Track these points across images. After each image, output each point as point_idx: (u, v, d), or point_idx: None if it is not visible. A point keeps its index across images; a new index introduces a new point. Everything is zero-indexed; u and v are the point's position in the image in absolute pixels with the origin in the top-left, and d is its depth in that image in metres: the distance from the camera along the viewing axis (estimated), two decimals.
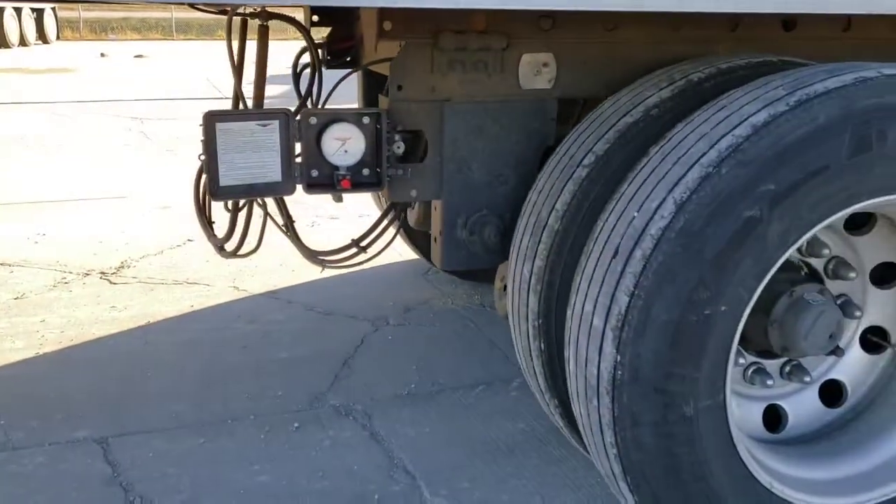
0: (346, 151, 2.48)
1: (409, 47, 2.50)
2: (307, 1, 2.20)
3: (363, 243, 3.09)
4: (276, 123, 2.40)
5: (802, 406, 2.52)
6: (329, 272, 4.56)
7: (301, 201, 3.28)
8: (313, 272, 4.57)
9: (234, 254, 3.06)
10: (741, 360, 2.37)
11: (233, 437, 3.10)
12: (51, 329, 4.02)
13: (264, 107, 2.69)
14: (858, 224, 2.38)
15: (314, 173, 2.50)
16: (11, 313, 4.20)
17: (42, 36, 23.77)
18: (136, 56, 20.45)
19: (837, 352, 2.45)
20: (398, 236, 3.23)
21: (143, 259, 5.02)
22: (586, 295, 2.07)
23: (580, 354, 2.08)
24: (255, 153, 2.40)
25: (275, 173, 2.44)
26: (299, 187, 2.51)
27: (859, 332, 2.52)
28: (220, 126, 2.34)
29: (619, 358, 1.93)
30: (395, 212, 3.08)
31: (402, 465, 2.93)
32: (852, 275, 2.39)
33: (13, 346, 3.83)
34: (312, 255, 3.10)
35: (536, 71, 2.62)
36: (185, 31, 29.63)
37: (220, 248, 3.10)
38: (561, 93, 2.66)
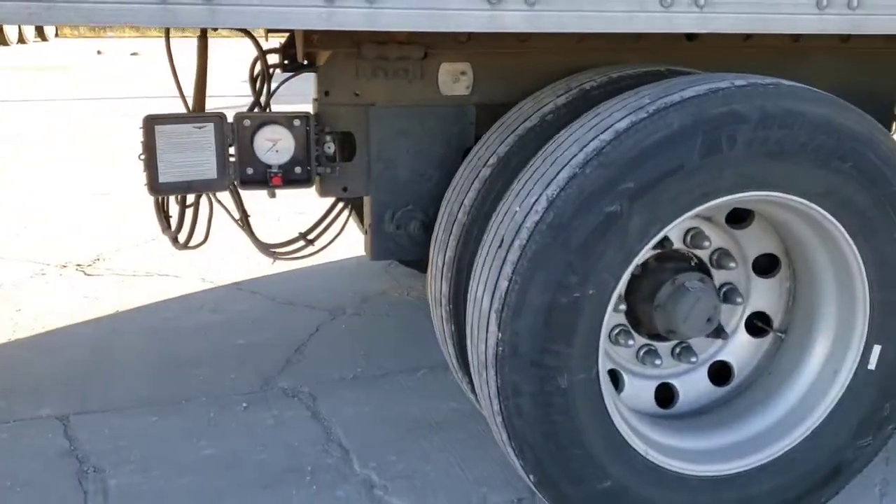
0: (276, 151, 2.72)
1: (335, 56, 2.74)
2: (222, 24, 2.44)
3: (310, 236, 3.34)
4: (210, 126, 2.64)
5: (693, 385, 2.76)
6: (295, 265, 4.83)
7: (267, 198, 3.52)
8: (280, 266, 4.81)
9: (185, 245, 3.30)
10: (630, 342, 2.61)
11: (184, 415, 3.35)
12: (25, 317, 4.28)
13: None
14: (740, 218, 2.63)
15: (249, 171, 2.74)
16: None
17: (41, 33, 24.05)
18: (132, 54, 20.71)
19: (722, 335, 2.70)
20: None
21: (118, 252, 5.27)
22: (478, 281, 2.32)
23: (474, 333, 2.33)
24: (192, 153, 2.65)
25: (211, 171, 2.68)
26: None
27: (744, 317, 2.76)
28: (158, 128, 2.58)
29: (500, 335, 2.18)
30: (342, 208, 3.32)
31: (337, 441, 3.18)
32: (733, 265, 2.63)
33: None
34: (264, 248, 3.34)
35: (455, 79, 2.86)
36: (181, 29, 29.79)
37: (175, 241, 3.34)
38: (478, 99, 2.90)
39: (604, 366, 2.30)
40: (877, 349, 2.48)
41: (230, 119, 2.67)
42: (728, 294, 2.69)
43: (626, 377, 2.70)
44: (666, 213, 2.18)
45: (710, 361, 2.78)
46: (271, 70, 3.06)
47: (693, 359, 2.69)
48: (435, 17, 1.92)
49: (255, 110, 2.95)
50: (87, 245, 5.38)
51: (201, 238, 3.31)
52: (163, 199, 3.31)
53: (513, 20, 1.98)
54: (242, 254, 5.02)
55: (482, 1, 1.94)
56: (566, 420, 2.26)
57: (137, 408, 3.40)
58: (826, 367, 2.57)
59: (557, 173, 2.17)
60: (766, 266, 2.73)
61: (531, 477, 2.32)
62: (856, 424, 2.53)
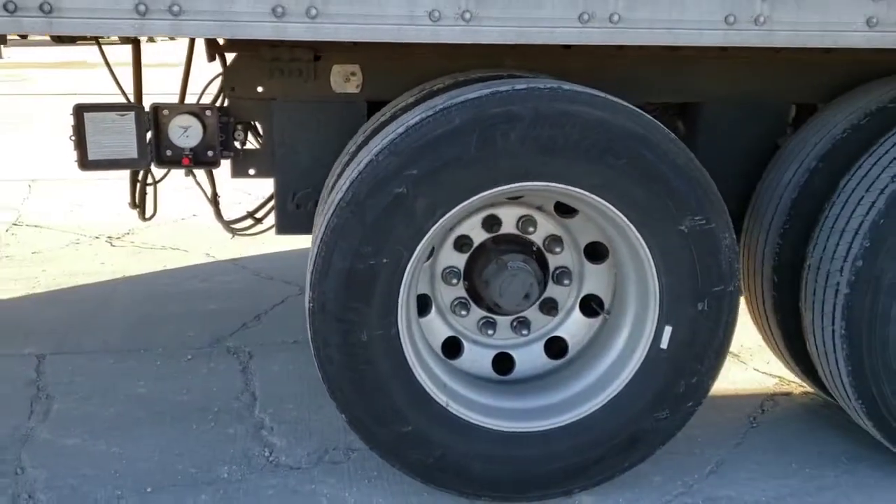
0: (188, 136, 3.23)
1: (238, 57, 3.23)
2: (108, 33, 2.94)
3: (258, 215, 3.86)
4: (132, 115, 3.18)
5: (529, 356, 3.09)
6: (297, 246, 5.32)
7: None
8: (281, 244, 5.30)
9: (145, 218, 3.87)
10: (463, 313, 2.98)
11: (138, 361, 3.92)
12: (47, 276, 4.99)
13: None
14: (571, 209, 2.94)
15: (168, 153, 3.27)
16: (23, 264, 5.21)
17: None
18: None
19: (552, 312, 3.02)
20: None
21: (147, 229, 5.95)
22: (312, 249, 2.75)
23: (306, 294, 2.77)
24: (116, 136, 3.19)
25: (132, 152, 3.22)
26: None
27: (578, 298, 3.07)
28: (87, 115, 3.14)
29: (311, 294, 2.61)
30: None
31: (252, 391, 3.67)
32: (558, 249, 2.96)
33: (13, 287, 4.81)
34: (225, 224, 3.87)
35: (346, 78, 3.29)
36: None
37: (141, 215, 3.90)
38: (368, 96, 3.31)
39: (406, 325, 2.69)
40: (668, 330, 2.75)
41: (147, 109, 3.20)
42: (559, 276, 3.01)
43: (465, 344, 3.06)
44: (449, 197, 2.55)
45: (547, 336, 3.10)
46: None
47: (525, 331, 3.03)
48: (224, 27, 2.37)
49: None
50: (123, 221, 6.08)
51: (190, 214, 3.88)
52: (134, 179, 3.86)
53: (295, 30, 2.40)
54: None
55: (268, 14, 2.38)
56: (369, 369, 2.67)
57: (102, 352, 4.00)
58: (628, 345, 2.86)
59: (362, 160, 2.59)
60: (599, 253, 3.03)
61: (344, 416, 2.74)
62: (651, 398, 2.80)
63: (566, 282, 3.01)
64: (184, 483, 3.00)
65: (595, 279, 3.05)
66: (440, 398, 2.76)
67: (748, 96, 3.31)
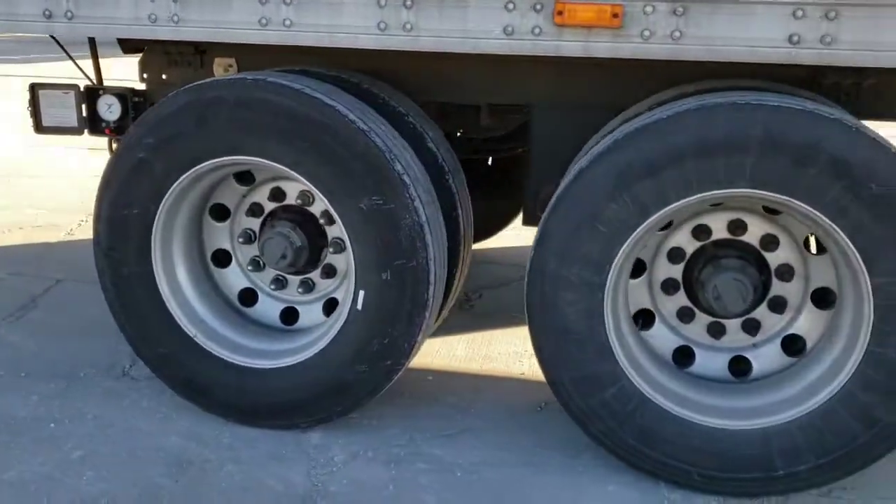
0: (111, 112, 4.14)
1: (147, 51, 4.06)
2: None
3: None
4: (72, 92, 4.15)
5: (309, 312, 3.58)
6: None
7: None
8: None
9: None
10: (250, 269, 3.56)
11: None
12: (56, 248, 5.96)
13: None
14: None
15: (96, 124, 4.20)
16: None
17: None
18: None
19: (332, 275, 3.48)
20: None
21: None
22: None
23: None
24: (62, 108, 4.19)
25: (73, 121, 4.18)
26: None
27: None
28: (40, 91, 4.16)
29: (95, 232, 3.37)
30: None
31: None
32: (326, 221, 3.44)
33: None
34: None
35: (225, 68, 3.98)
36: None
37: None
38: None
39: (164, 266, 3.35)
40: (361, 294, 3.14)
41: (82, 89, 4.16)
42: (336, 244, 3.45)
43: (260, 295, 3.64)
44: (182, 162, 3.18)
45: (326, 297, 3.57)
46: None
47: (300, 290, 3.54)
48: (106, 29, 3.25)
49: None
50: None
51: None
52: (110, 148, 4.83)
53: (163, 32, 3.21)
54: None
55: (145, 20, 3.20)
56: (131, 298, 3.38)
57: None
58: (340, 306, 3.29)
59: None
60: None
61: (123, 333, 3.47)
62: (351, 353, 3.20)
63: (342, 249, 3.46)
64: None
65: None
66: (189, 329, 3.39)
67: (570, 101, 3.49)
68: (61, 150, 8.25)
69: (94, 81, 4.46)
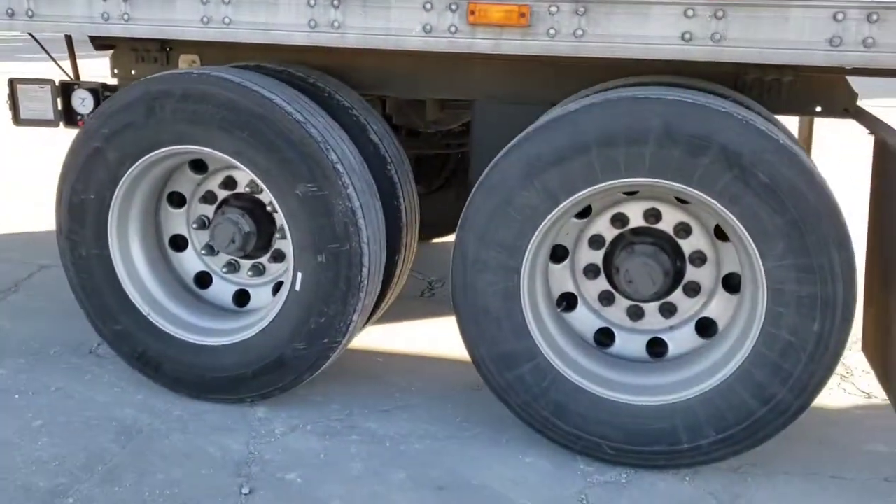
0: (84, 105, 4.38)
1: (117, 48, 4.30)
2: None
3: None
4: (48, 87, 4.39)
5: (259, 295, 3.80)
6: None
7: None
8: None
9: None
10: (204, 253, 3.78)
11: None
12: None
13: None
14: None
15: (77, 116, 4.44)
16: None
17: None
18: None
19: (281, 260, 3.69)
20: None
21: None
22: None
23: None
24: (39, 102, 4.44)
25: (49, 114, 4.43)
26: None
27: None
28: (18, 86, 4.41)
29: (58, 219, 3.61)
30: None
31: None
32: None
33: None
34: None
35: (189, 64, 4.21)
36: None
37: None
38: None
39: (120, 248, 3.58)
40: (299, 275, 3.36)
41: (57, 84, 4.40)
42: (282, 230, 3.63)
43: (214, 278, 3.86)
44: (132, 152, 3.40)
45: (276, 280, 3.79)
46: None
47: (249, 273, 3.77)
48: (61, 26, 3.50)
49: None
50: None
51: None
52: None
53: (116, 29, 3.45)
54: None
55: (98, 18, 3.43)
56: (89, 278, 3.61)
57: None
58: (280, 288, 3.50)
59: None
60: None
61: (83, 311, 3.70)
62: (290, 331, 3.41)
63: (286, 235, 3.69)
64: None
65: None
66: (143, 308, 3.62)
67: (509, 96, 3.69)
68: (49, 142, 8.55)
69: (72, 77, 4.72)
